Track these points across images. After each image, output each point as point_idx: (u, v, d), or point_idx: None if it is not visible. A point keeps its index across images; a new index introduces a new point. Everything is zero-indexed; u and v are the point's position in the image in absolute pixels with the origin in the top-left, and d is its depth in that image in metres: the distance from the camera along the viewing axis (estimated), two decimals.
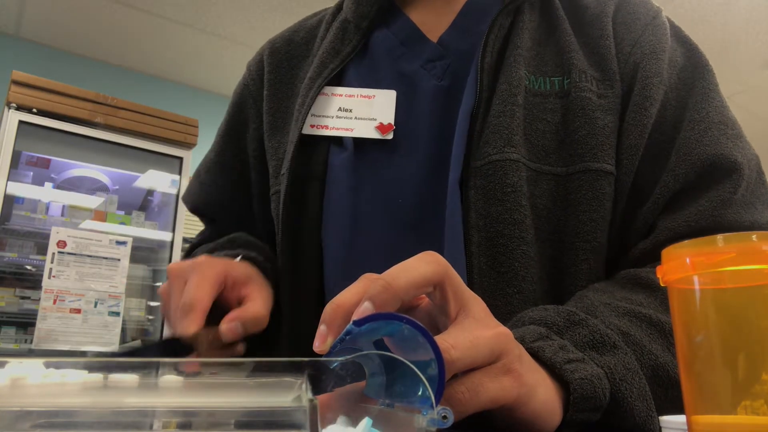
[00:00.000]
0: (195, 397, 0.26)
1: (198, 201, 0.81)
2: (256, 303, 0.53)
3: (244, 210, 0.77)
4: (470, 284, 0.55)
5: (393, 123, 0.64)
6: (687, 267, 0.29)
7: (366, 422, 0.30)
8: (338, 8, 0.76)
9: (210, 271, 0.53)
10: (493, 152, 0.58)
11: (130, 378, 0.27)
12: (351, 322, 0.33)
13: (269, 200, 0.71)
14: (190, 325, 0.48)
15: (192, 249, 0.79)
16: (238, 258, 0.62)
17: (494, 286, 0.56)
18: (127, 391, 0.27)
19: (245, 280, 0.56)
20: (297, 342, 0.63)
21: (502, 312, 0.54)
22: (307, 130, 0.65)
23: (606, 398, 0.42)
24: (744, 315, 0.28)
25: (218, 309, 0.52)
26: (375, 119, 0.65)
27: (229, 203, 0.78)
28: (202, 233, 0.83)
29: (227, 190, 0.78)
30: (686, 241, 0.29)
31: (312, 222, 0.64)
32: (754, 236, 0.27)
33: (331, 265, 0.63)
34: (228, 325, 0.50)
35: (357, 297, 0.35)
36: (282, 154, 0.69)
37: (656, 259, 0.58)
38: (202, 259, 0.55)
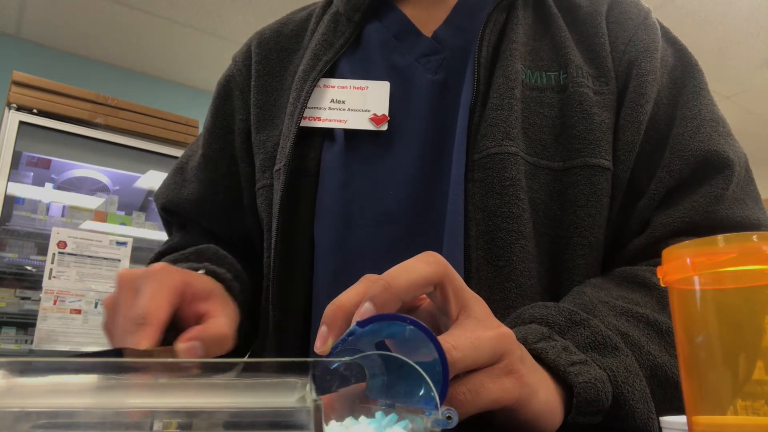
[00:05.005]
0: (197, 398, 0.26)
1: (175, 197, 0.77)
2: (219, 321, 0.46)
3: (227, 206, 0.74)
4: (467, 278, 0.55)
5: (387, 114, 0.64)
6: (687, 267, 0.29)
7: (367, 421, 0.30)
8: (328, 2, 0.76)
9: (167, 281, 0.46)
10: (492, 145, 0.58)
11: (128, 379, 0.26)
12: (354, 323, 0.33)
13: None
14: (141, 341, 0.41)
15: (158, 257, 0.72)
16: (201, 271, 0.57)
17: (492, 281, 0.56)
18: (127, 392, 0.27)
19: (205, 295, 0.49)
20: (283, 339, 0.63)
21: (500, 307, 0.54)
22: (300, 123, 0.64)
23: (608, 401, 0.42)
24: (744, 315, 0.28)
25: (172, 326, 0.45)
26: (368, 110, 0.64)
27: (213, 198, 0.75)
28: (169, 241, 0.78)
29: (213, 185, 0.74)
30: (687, 241, 0.29)
31: (305, 218, 0.63)
32: (754, 236, 0.27)
33: (322, 261, 0.63)
34: (186, 345, 0.42)
35: (358, 298, 0.36)
36: (271, 147, 0.68)
37: (652, 256, 0.59)
38: (158, 266, 0.47)
